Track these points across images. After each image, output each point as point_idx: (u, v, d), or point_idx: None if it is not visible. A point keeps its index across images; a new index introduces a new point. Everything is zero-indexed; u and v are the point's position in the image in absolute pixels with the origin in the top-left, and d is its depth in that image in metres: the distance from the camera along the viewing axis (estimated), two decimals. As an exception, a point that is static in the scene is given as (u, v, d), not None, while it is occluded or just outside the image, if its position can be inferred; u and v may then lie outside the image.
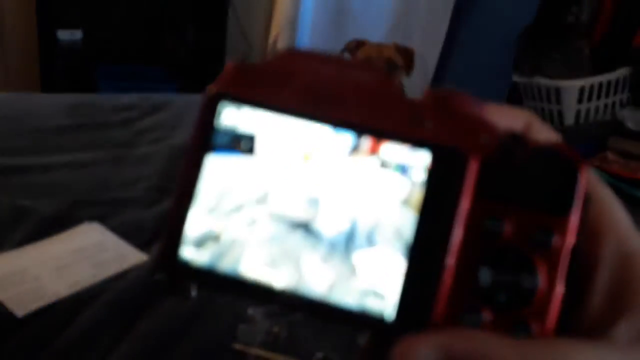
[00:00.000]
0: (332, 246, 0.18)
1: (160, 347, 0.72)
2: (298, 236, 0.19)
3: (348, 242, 0.18)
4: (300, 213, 0.19)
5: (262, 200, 0.19)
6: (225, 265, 0.19)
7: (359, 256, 0.18)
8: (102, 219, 0.92)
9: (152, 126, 1.29)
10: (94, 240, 0.87)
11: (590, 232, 0.17)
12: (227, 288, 0.19)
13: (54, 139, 1.15)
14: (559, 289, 0.16)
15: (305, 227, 0.19)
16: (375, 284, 0.18)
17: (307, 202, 0.19)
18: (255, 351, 0.73)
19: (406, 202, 0.18)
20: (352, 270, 0.18)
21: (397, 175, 0.18)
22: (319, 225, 0.18)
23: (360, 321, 0.18)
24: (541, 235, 0.16)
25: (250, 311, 0.77)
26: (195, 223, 0.19)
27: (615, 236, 0.17)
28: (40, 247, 0.83)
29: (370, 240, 0.18)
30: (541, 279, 0.16)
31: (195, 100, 1.51)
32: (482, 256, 0.17)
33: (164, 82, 2.39)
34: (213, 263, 0.19)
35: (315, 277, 0.18)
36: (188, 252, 0.19)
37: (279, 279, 0.18)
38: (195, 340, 0.74)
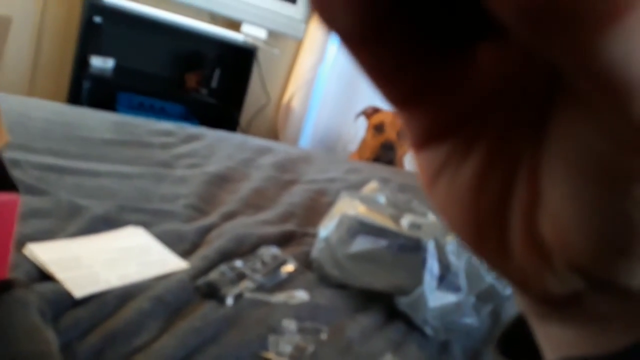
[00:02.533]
0: None
1: (196, 346, 0.78)
2: None
3: None
4: None
5: None
6: None
7: None
8: (146, 226, 0.99)
9: (188, 153, 1.39)
10: (140, 242, 0.93)
11: None
12: None
13: (100, 149, 1.23)
14: None
15: None
16: None
17: None
18: (284, 361, 0.79)
19: None
20: None
21: None
22: None
23: None
24: None
25: (285, 323, 0.84)
26: None
27: None
28: (92, 240, 0.89)
29: None
30: None
31: (224, 136, 1.62)
32: None
33: (183, 120, 2.50)
34: None
35: None
36: None
37: None
38: (228, 344, 0.80)
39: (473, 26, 0.13)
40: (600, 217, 0.11)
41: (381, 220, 1.00)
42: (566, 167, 0.12)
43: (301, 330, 0.84)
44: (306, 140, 2.88)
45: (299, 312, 0.90)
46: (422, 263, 0.92)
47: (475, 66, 0.13)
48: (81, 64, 2.34)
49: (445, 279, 0.91)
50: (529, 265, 0.13)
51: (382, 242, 0.98)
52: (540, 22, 0.09)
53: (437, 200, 0.15)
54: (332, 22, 0.12)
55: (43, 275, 0.78)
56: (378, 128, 2.31)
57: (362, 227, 1.00)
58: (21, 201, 0.92)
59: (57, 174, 1.05)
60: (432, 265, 0.91)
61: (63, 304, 0.74)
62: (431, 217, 1.07)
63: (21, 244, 0.81)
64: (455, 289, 0.91)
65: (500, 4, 0.09)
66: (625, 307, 0.13)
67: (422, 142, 0.15)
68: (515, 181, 0.13)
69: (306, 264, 1.06)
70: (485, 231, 0.14)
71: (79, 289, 0.76)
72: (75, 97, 2.37)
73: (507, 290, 0.94)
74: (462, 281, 0.91)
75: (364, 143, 2.44)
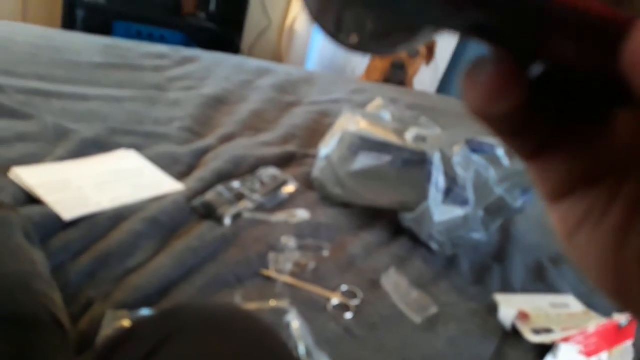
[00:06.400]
0: None
1: (193, 265, 0.75)
2: None
3: None
4: None
5: None
6: None
7: None
8: (138, 149, 0.95)
9: (182, 75, 1.32)
10: (132, 164, 0.90)
11: None
12: None
13: (89, 73, 1.17)
14: None
15: None
16: None
17: None
18: (284, 278, 0.77)
19: None
20: None
21: None
22: None
23: None
24: None
25: (284, 240, 0.81)
26: None
27: None
28: (82, 163, 0.86)
29: None
30: None
31: (221, 58, 1.54)
32: None
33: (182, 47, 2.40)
34: None
35: None
36: None
37: None
38: (226, 263, 0.78)
39: (606, 99, 0.14)
40: None
41: (384, 134, 0.94)
42: None
43: (302, 248, 0.82)
44: (312, 64, 2.77)
45: (299, 230, 0.87)
46: (428, 177, 0.87)
47: (609, 126, 0.15)
48: (72, -8, 2.23)
49: (452, 193, 0.87)
50: None
51: (386, 158, 0.93)
52: None
53: (577, 249, 0.16)
54: (482, 115, 0.15)
55: (30, 199, 0.75)
56: (386, 48, 2.19)
57: (364, 143, 0.95)
58: (5, 125, 0.89)
59: (43, 98, 1.00)
60: (438, 179, 0.86)
61: (52, 226, 0.72)
62: (438, 130, 1.01)
63: (6, 168, 0.78)
64: (463, 202, 0.87)
65: None
66: None
67: (560, 194, 0.16)
68: None
69: (307, 184, 1.02)
70: (630, 276, 0.15)
71: (68, 211, 0.74)
72: (69, 27, 2.28)
73: (517, 202, 0.89)
74: (470, 194, 0.87)
75: (372, 64, 2.32)
